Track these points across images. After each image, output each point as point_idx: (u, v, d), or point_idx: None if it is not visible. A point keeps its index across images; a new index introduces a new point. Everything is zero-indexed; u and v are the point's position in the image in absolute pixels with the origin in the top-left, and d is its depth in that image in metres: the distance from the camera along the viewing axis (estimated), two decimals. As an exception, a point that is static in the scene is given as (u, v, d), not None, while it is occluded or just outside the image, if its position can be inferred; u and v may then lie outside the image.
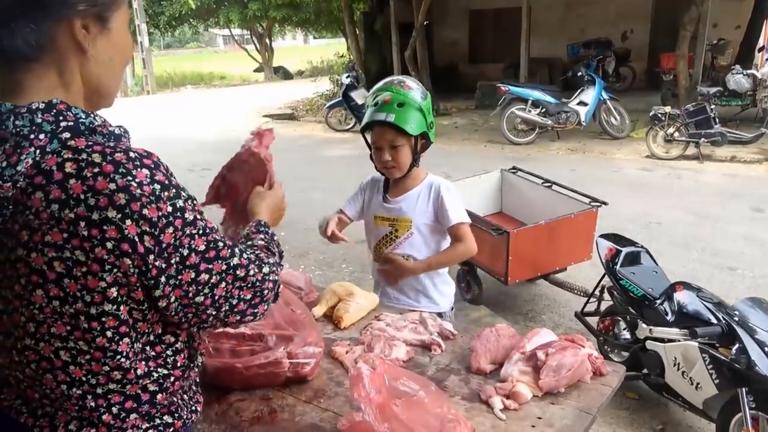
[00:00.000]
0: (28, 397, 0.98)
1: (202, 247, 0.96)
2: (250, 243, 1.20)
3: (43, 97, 0.91)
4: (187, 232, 0.93)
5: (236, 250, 1.03)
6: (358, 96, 11.19)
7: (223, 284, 0.99)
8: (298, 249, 5.40)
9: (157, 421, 1.01)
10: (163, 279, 0.92)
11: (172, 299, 0.95)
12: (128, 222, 0.86)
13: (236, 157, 1.54)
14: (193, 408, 1.11)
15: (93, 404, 0.95)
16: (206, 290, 0.97)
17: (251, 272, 1.05)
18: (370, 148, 2.15)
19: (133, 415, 0.98)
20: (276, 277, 1.13)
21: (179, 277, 0.93)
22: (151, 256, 0.89)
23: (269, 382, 1.54)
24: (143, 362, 0.97)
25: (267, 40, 25.43)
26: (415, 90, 2.06)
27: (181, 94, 21.40)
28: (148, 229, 0.88)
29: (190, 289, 0.95)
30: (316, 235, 6.70)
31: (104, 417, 0.96)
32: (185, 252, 0.93)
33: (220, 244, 0.99)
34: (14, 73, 0.93)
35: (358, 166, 8.06)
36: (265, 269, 1.09)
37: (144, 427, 0.99)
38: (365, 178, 2.37)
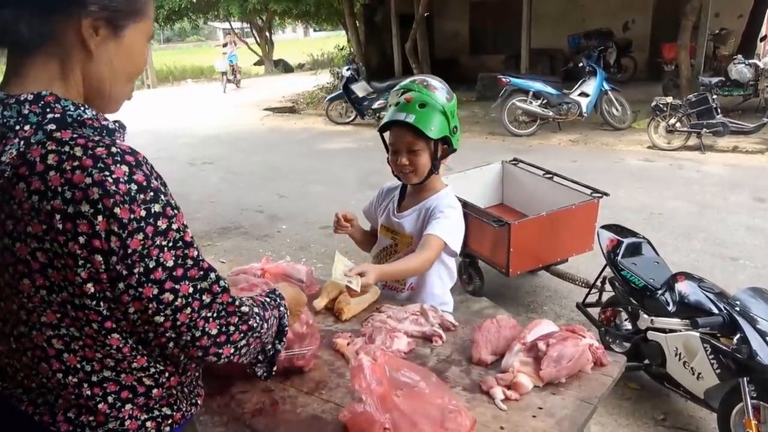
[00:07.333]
0: (27, 387, 0.98)
1: (170, 263, 0.90)
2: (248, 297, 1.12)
3: (42, 88, 0.91)
4: (157, 242, 0.89)
5: (211, 274, 0.96)
6: (359, 89, 11.17)
7: (188, 310, 0.93)
8: (299, 242, 5.41)
9: (156, 412, 1.01)
10: (121, 286, 0.88)
11: (131, 310, 0.90)
12: (100, 218, 0.84)
13: None
14: (194, 401, 1.11)
15: (89, 392, 0.95)
16: (168, 312, 0.91)
17: (219, 300, 0.97)
18: (387, 150, 2.01)
19: (128, 405, 0.98)
20: (254, 325, 1.04)
21: (140, 289, 0.89)
22: (114, 258, 0.86)
23: None
24: (142, 357, 0.97)
25: (267, 33, 25.33)
26: (439, 91, 1.90)
27: (181, 88, 21.33)
28: (116, 230, 0.85)
29: (150, 305, 0.90)
30: (317, 228, 6.65)
31: (100, 406, 0.95)
32: (151, 264, 0.88)
33: (190, 262, 0.93)
34: (17, 59, 0.94)
35: (359, 159, 8.09)
36: (244, 309, 1.02)
37: (143, 418, 0.99)
38: (383, 185, 2.21)
